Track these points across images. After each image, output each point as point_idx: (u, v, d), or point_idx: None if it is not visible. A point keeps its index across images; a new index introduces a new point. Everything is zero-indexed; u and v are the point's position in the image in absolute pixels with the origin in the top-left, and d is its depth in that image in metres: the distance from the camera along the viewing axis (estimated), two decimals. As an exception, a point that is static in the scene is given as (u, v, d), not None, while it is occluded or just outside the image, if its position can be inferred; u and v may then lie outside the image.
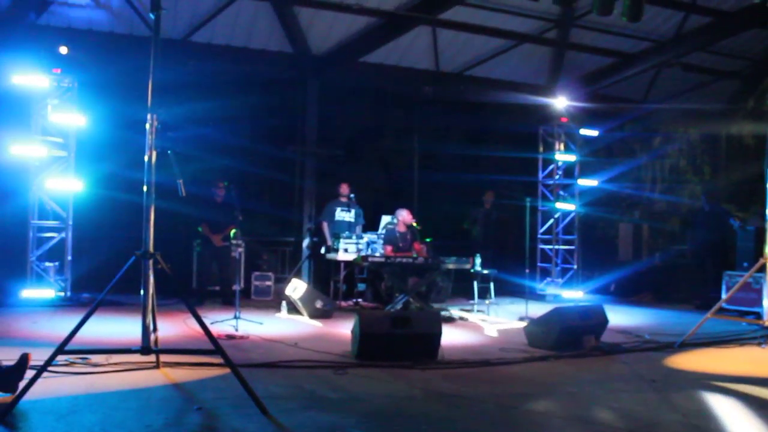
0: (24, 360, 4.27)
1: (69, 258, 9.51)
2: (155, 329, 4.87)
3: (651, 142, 14.60)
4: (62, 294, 9.30)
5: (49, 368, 4.24)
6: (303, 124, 11.67)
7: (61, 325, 6.87)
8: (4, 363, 4.35)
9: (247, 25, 10.39)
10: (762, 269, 7.24)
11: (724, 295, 8.93)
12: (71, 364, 5.08)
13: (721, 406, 4.56)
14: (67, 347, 4.17)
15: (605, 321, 7.10)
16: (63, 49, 9.00)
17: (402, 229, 10.03)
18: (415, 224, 10.06)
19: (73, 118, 9.36)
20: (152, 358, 5.15)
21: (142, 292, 4.52)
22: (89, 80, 9.45)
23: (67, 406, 4.08)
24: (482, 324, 8.56)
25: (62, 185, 9.38)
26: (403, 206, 10.32)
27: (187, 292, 9.75)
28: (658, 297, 11.87)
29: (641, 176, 14.55)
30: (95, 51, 9.51)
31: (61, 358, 4.40)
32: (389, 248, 9.88)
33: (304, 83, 11.58)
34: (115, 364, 5.18)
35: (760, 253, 7.34)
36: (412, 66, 11.78)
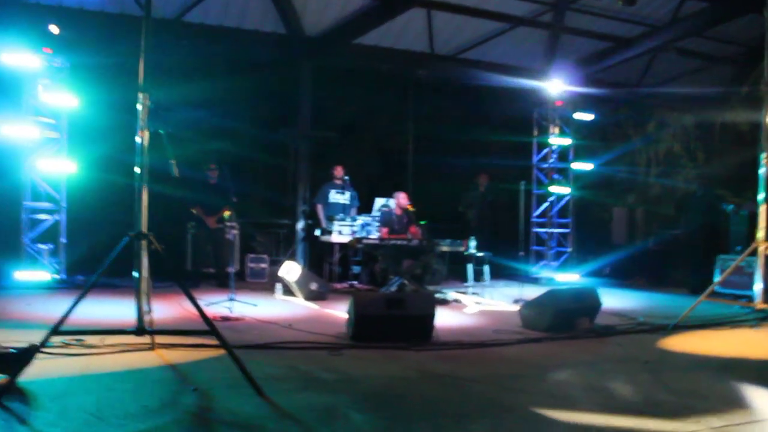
0: (32, 350, 4.20)
1: (63, 240, 9.48)
2: (150, 310, 4.86)
3: (645, 127, 14.61)
4: (56, 276, 9.28)
5: (44, 349, 4.22)
6: (297, 106, 11.60)
7: (55, 307, 6.85)
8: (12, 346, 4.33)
9: (241, 5, 10.30)
10: (754, 253, 7.28)
11: (717, 279, 8.98)
12: (66, 345, 5.07)
13: (713, 386, 4.59)
14: (62, 328, 4.15)
15: (599, 303, 7.13)
16: (54, 29, 8.90)
17: (399, 211, 10.04)
18: (410, 208, 10.06)
19: (65, 99, 9.29)
20: (147, 339, 5.15)
21: (135, 273, 4.50)
22: (81, 60, 9.36)
23: (62, 387, 4.08)
24: (476, 306, 8.59)
25: (55, 167, 9.33)
26: (398, 189, 10.33)
27: (181, 273, 9.74)
28: (651, 280, 11.94)
29: (636, 160, 14.57)
30: (86, 31, 9.42)
31: (56, 339, 4.39)
32: (385, 230, 9.88)
33: (298, 65, 11.50)
34: (110, 345, 5.18)
35: (753, 237, 7.38)
36: (406, 48, 11.73)
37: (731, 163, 12.40)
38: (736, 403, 4.18)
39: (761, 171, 7.28)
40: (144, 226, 4.43)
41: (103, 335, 5.30)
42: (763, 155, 7.26)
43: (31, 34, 8.85)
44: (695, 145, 14.21)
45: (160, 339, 5.27)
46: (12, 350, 4.25)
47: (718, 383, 4.71)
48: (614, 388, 4.54)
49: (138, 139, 4.45)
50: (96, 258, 8.56)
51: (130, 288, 4.54)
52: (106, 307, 7.13)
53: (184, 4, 9.93)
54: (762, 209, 7.25)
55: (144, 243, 4.44)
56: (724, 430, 3.61)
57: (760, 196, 7.27)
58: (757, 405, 4.18)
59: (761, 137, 7.31)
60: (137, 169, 4.45)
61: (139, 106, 4.46)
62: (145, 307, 4.61)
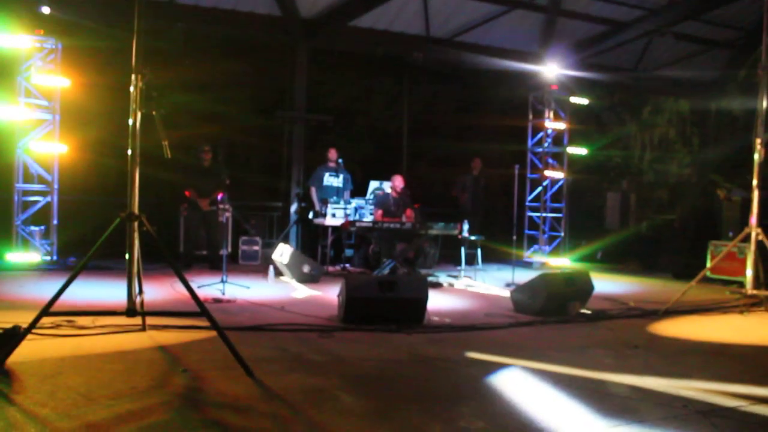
0: (22, 331, 4.18)
1: (55, 222, 9.44)
2: (141, 292, 4.86)
3: (641, 112, 14.60)
4: (48, 258, 9.27)
5: (35, 330, 4.22)
6: (292, 89, 11.54)
7: (47, 289, 6.79)
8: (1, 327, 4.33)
9: (236, -13, 10.23)
10: (746, 239, 7.31)
11: (708, 264, 9.02)
12: (57, 326, 5.08)
13: (700, 370, 4.61)
14: (53, 310, 4.15)
15: (591, 288, 7.15)
16: (45, 9, 8.83)
17: (395, 194, 10.05)
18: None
19: (57, 81, 9.21)
20: (138, 320, 5.16)
21: (127, 255, 4.50)
22: (73, 42, 9.28)
23: (53, 367, 4.08)
24: (469, 289, 8.61)
25: (47, 148, 9.28)
26: (393, 172, 10.34)
27: (173, 255, 9.73)
28: (644, 265, 11.98)
29: (630, 145, 14.58)
30: (79, 12, 9.33)
31: (47, 320, 4.40)
32: (380, 212, 9.89)
33: (293, 48, 11.44)
34: (101, 326, 5.19)
35: (746, 223, 7.40)
36: (402, 31, 11.67)
37: (726, 149, 12.42)
38: (721, 387, 4.20)
39: (755, 156, 7.29)
40: (135, 207, 4.42)
41: (94, 316, 5.30)
42: (758, 141, 7.27)
43: (22, 14, 8.77)
44: (690, 131, 14.22)
45: (151, 320, 5.28)
46: (1, 331, 4.25)
47: (705, 367, 4.73)
48: (603, 372, 4.56)
49: (130, 121, 4.43)
50: (88, 240, 8.54)
51: (123, 270, 4.53)
52: (97, 289, 7.13)
53: (178, -15, 9.86)
54: (755, 195, 7.27)
55: (135, 224, 4.43)
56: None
57: (754, 182, 7.29)
58: (739, 388, 4.21)
59: (756, 123, 7.32)
60: (129, 151, 4.43)
61: (131, 88, 4.44)
62: (136, 289, 4.61)
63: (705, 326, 6.63)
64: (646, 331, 6.16)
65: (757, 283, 7.27)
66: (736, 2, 11.17)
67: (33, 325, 4.11)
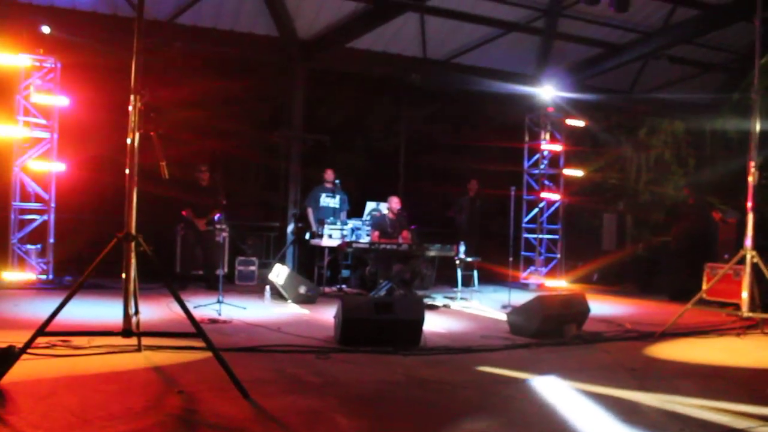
0: (17, 352, 4.15)
1: (51, 241, 9.43)
2: (137, 312, 4.84)
3: (637, 134, 14.68)
4: (44, 277, 9.24)
5: (30, 350, 4.20)
6: (289, 108, 11.59)
7: (42, 308, 6.82)
8: None
9: (234, 8, 10.32)
10: (742, 261, 7.32)
11: (704, 286, 9.02)
12: (52, 346, 5.06)
13: (696, 393, 4.60)
14: (49, 329, 4.14)
15: (587, 310, 7.15)
16: (45, 29, 8.90)
17: (392, 216, 10.07)
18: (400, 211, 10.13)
19: (56, 99, 9.26)
20: (134, 341, 5.13)
21: (123, 275, 4.49)
22: (72, 61, 9.34)
23: (47, 387, 4.06)
24: (465, 311, 8.60)
25: (44, 167, 9.29)
26: (389, 193, 10.38)
27: (169, 275, 9.71)
28: (640, 287, 11.98)
29: (626, 167, 14.63)
30: (78, 31, 9.39)
31: (42, 340, 4.38)
32: (376, 234, 9.90)
33: (291, 68, 11.50)
34: (97, 347, 5.16)
35: (741, 245, 7.42)
36: (399, 53, 11.76)
37: (721, 170, 12.47)
38: (716, 410, 4.20)
39: (749, 179, 7.33)
40: (132, 227, 4.42)
41: (90, 336, 5.28)
42: (751, 164, 7.32)
43: (22, 34, 8.83)
44: (686, 153, 14.29)
45: (146, 341, 5.26)
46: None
47: (701, 390, 4.72)
48: (600, 394, 4.55)
49: (129, 141, 4.44)
50: (84, 259, 8.56)
51: (119, 289, 4.53)
52: (93, 308, 7.10)
53: (177, 6, 9.94)
54: (749, 217, 7.29)
55: (132, 244, 4.43)
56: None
57: (749, 204, 7.32)
58: (734, 414, 4.20)
59: (750, 145, 7.37)
60: (127, 170, 4.45)
61: (130, 108, 4.46)
62: (132, 309, 4.60)
63: (702, 348, 6.63)
64: (642, 354, 6.16)
65: (753, 306, 7.27)
66: (730, 26, 11.30)
67: (28, 345, 4.10)
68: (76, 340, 5.22)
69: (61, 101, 9.28)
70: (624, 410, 4.16)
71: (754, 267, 7.20)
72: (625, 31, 11.56)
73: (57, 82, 9.28)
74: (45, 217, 9.37)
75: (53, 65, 9.25)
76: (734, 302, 8.30)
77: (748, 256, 7.21)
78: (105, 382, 4.28)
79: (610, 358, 5.86)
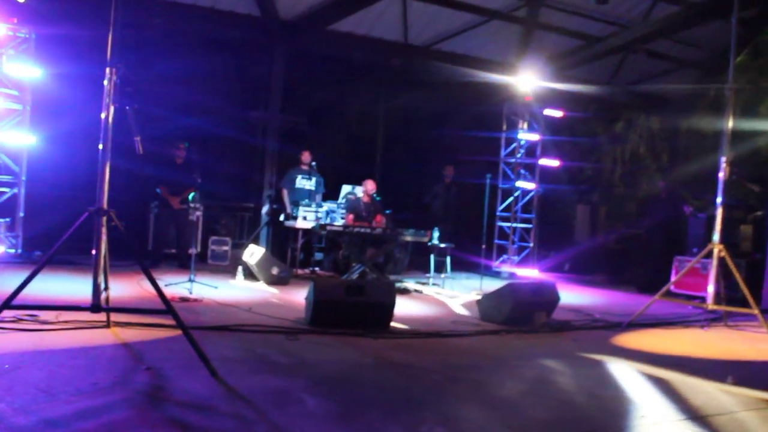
0: None
1: (21, 214, 9.30)
2: (107, 288, 4.81)
3: (613, 126, 14.81)
4: (13, 251, 9.12)
5: (-5, 323, 4.17)
6: (268, 89, 11.50)
7: (9, 282, 6.70)
8: None
9: (215, -15, 10.18)
10: (710, 255, 7.46)
11: (672, 279, 9.18)
12: (19, 320, 5.01)
13: (656, 382, 4.70)
14: (15, 303, 4.09)
15: (557, 298, 7.24)
16: (20, -2, 8.72)
17: (366, 199, 10.08)
18: (375, 195, 10.12)
19: (30, 71, 9.09)
20: (103, 317, 5.10)
21: (94, 250, 4.45)
22: (47, 32, 9.16)
23: (13, 361, 4.02)
24: (436, 296, 8.66)
25: (16, 139, 9.14)
26: (366, 177, 10.38)
27: (141, 252, 9.64)
28: (611, 278, 12.15)
29: (602, 159, 14.78)
30: (55, 2, 9.21)
31: (8, 314, 4.34)
32: (351, 216, 9.91)
33: (271, 48, 11.40)
34: (65, 322, 5.12)
35: (710, 240, 7.56)
36: (381, 37, 11.70)
37: (694, 166, 12.64)
38: (676, 398, 4.29)
39: (720, 175, 7.45)
40: (105, 202, 4.38)
41: (58, 311, 5.24)
42: (723, 159, 7.44)
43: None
44: (660, 147, 14.45)
45: (115, 317, 5.22)
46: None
47: (662, 380, 4.82)
48: (563, 381, 4.63)
49: (103, 115, 4.39)
50: (55, 234, 8.41)
51: (90, 265, 4.48)
52: (62, 284, 7.04)
53: (157, -19, 9.78)
54: (719, 213, 7.42)
55: (104, 219, 4.38)
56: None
57: (718, 199, 7.44)
58: (693, 400, 4.30)
59: (723, 141, 7.49)
60: (101, 145, 4.39)
61: (105, 82, 4.40)
62: (102, 285, 4.57)
63: (667, 339, 6.76)
64: (609, 343, 6.26)
65: (719, 299, 7.42)
66: (707, 24, 11.42)
67: (-6, 318, 4.05)
68: (44, 315, 5.19)
69: (34, 73, 9.12)
70: (582, 397, 4.24)
71: (721, 261, 7.34)
72: (606, 23, 11.63)
73: (31, 53, 9.11)
74: (15, 190, 9.23)
75: (28, 35, 9.07)
76: (701, 295, 8.46)
77: (716, 251, 7.35)
78: (72, 358, 4.25)
79: (576, 347, 5.95)
